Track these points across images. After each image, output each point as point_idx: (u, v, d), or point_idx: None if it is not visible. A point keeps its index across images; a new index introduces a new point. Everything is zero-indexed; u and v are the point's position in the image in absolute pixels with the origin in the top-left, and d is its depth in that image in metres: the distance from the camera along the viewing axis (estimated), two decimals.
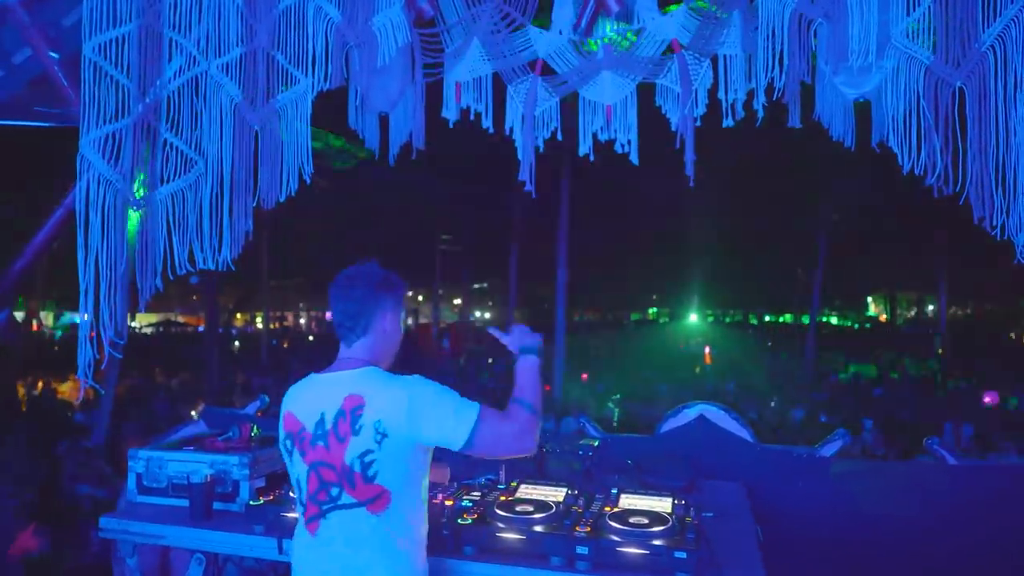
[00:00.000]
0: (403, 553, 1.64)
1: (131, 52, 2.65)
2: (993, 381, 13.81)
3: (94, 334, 2.57)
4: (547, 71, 3.11)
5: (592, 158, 3.13)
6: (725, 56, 2.89)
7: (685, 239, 21.92)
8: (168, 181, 2.70)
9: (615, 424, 10.30)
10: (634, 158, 3.09)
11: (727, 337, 25.36)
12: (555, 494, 1.96)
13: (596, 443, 2.32)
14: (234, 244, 2.76)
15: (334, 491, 1.65)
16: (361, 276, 1.78)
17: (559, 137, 3.16)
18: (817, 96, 2.65)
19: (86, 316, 2.59)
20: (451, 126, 3.15)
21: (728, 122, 2.92)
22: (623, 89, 3.08)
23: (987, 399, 9.67)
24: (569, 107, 3.23)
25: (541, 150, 3.15)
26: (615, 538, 1.63)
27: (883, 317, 43.05)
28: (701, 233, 20.86)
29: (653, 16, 3.00)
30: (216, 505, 2.09)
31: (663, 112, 3.05)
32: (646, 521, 1.69)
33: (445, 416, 1.62)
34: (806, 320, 23.10)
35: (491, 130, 3.18)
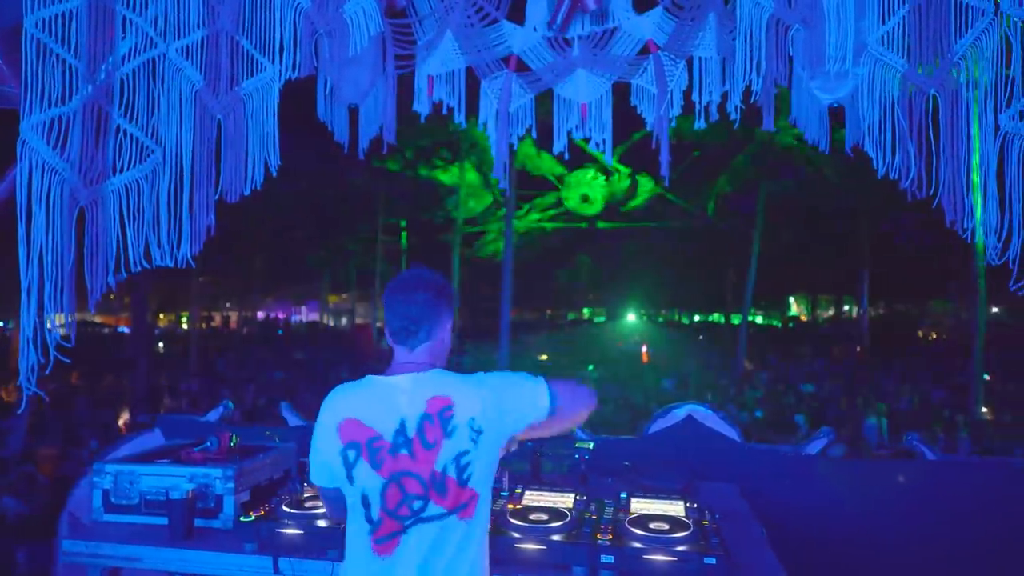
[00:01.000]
0: (484, 557, 1.60)
1: (79, 29, 2.44)
2: (911, 376, 14.69)
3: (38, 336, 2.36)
4: (521, 67, 3.06)
5: (567, 156, 3.10)
6: (700, 58, 2.92)
7: (620, 239, 22.36)
8: (122, 171, 2.50)
9: None
10: (608, 158, 3.08)
11: (661, 336, 26.00)
12: (563, 500, 1.91)
13: (591, 445, 2.28)
14: (195, 239, 2.59)
15: (416, 504, 1.55)
16: (424, 281, 1.69)
17: (534, 134, 3.12)
18: (793, 100, 2.70)
19: (29, 317, 2.38)
20: (423, 120, 3.06)
21: (700, 124, 2.95)
22: (598, 88, 3.07)
23: None
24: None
25: (515, 147, 3.10)
26: (638, 545, 1.60)
27: (804, 317, 45.10)
28: (637, 233, 21.33)
29: (628, 15, 2.99)
30: (196, 522, 1.92)
31: (639, 112, 3.06)
32: (666, 527, 1.67)
33: (524, 392, 1.61)
34: (736, 320, 23.98)
35: (463, 125, 3.10)
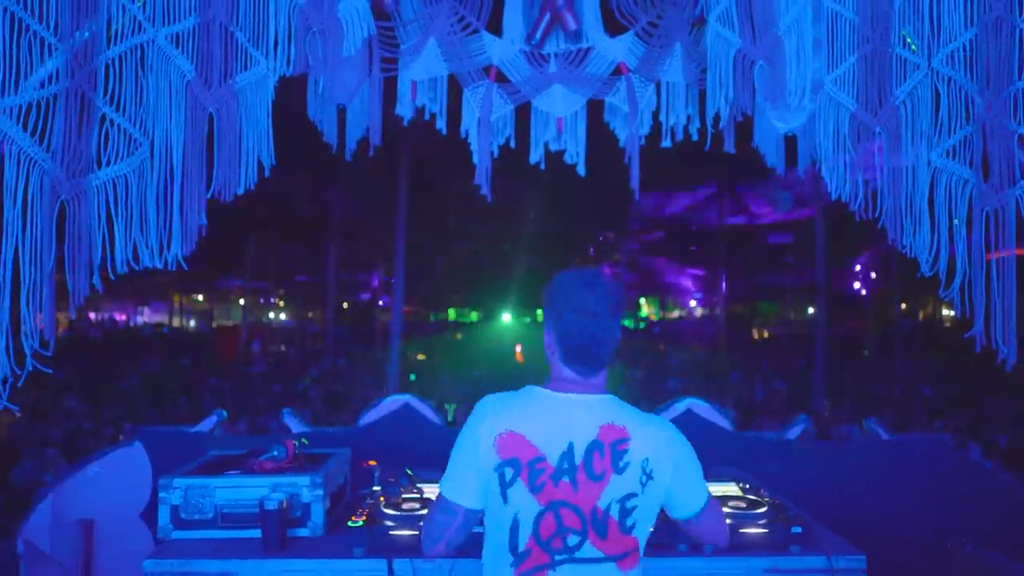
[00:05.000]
0: None
1: (61, 6, 2.23)
2: (760, 371, 16.39)
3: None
4: (501, 78, 3.17)
5: (543, 166, 3.25)
6: (667, 83, 3.19)
7: (485, 240, 22.88)
8: (108, 164, 2.31)
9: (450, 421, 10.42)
10: (581, 170, 3.27)
11: (530, 336, 26.81)
12: None
13: None
14: (186, 240, 2.45)
15: (572, 539, 1.38)
16: (614, 297, 1.46)
17: (512, 144, 3.24)
18: (755, 128, 3.04)
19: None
20: (405, 124, 3.08)
21: (667, 143, 3.23)
22: (574, 103, 3.25)
23: None
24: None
25: (495, 155, 3.20)
26: (731, 521, 1.78)
27: (653, 317, 48.29)
28: (500, 236, 21.94)
29: (601, 37, 3.20)
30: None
31: (611, 128, 3.28)
32: (744, 504, 1.87)
33: (694, 477, 1.48)
34: None
35: (444, 131, 3.16)
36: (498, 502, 1.43)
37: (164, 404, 10.93)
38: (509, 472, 1.41)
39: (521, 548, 1.41)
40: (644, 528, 1.44)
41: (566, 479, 1.39)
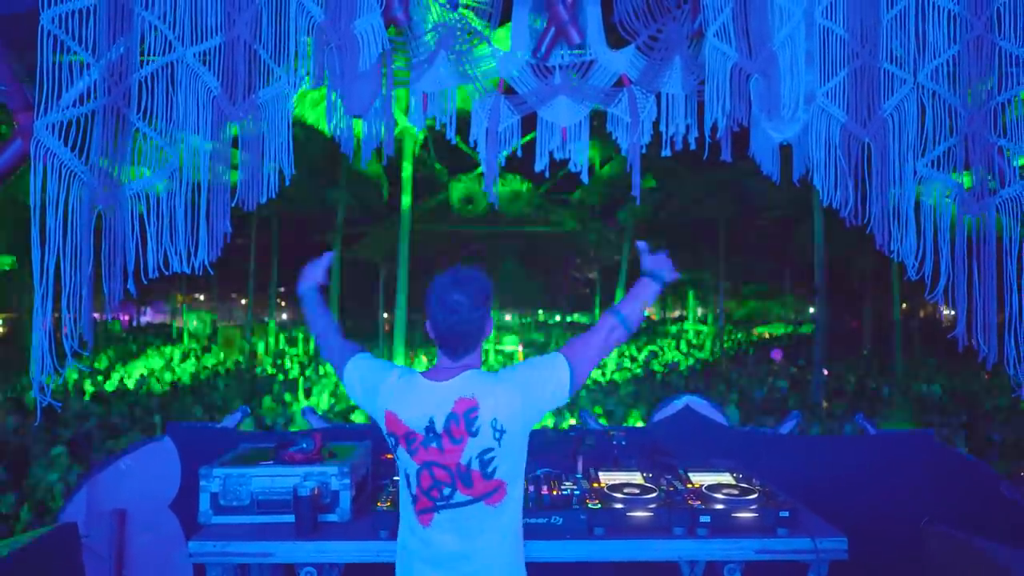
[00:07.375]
0: (513, 534, 1.76)
1: (98, 28, 2.38)
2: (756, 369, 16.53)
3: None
4: (509, 90, 3.31)
5: (547, 175, 3.39)
6: (667, 94, 3.33)
7: (485, 240, 23.04)
8: (140, 176, 2.46)
9: None
10: (584, 177, 3.41)
11: (530, 336, 26.99)
12: (633, 477, 2.20)
13: (623, 432, 2.60)
14: (212, 246, 2.59)
15: (446, 490, 1.71)
16: (475, 292, 1.74)
17: (519, 153, 3.38)
18: (751, 138, 3.18)
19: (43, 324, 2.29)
20: (417, 133, 3.22)
21: (667, 152, 3.37)
22: (577, 114, 3.39)
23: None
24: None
25: (503, 164, 3.34)
26: (724, 507, 1.93)
27: (653, 316, 48.41)
28: (511, 236, 22.09)
29: (604, 50, 3.34)
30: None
31: (614, 138, 3.42)
32: (737, 492, 2.02)
33: (547, 382, 1.73)
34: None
35: (454, 141, 3.30)
36: (396, 457, 1.80)
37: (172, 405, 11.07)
38: (392, 440, 1.79)
39: (413, 493, 1.77)
40: (507, 467, 1.73)
41: (433, 445, 1.72)
